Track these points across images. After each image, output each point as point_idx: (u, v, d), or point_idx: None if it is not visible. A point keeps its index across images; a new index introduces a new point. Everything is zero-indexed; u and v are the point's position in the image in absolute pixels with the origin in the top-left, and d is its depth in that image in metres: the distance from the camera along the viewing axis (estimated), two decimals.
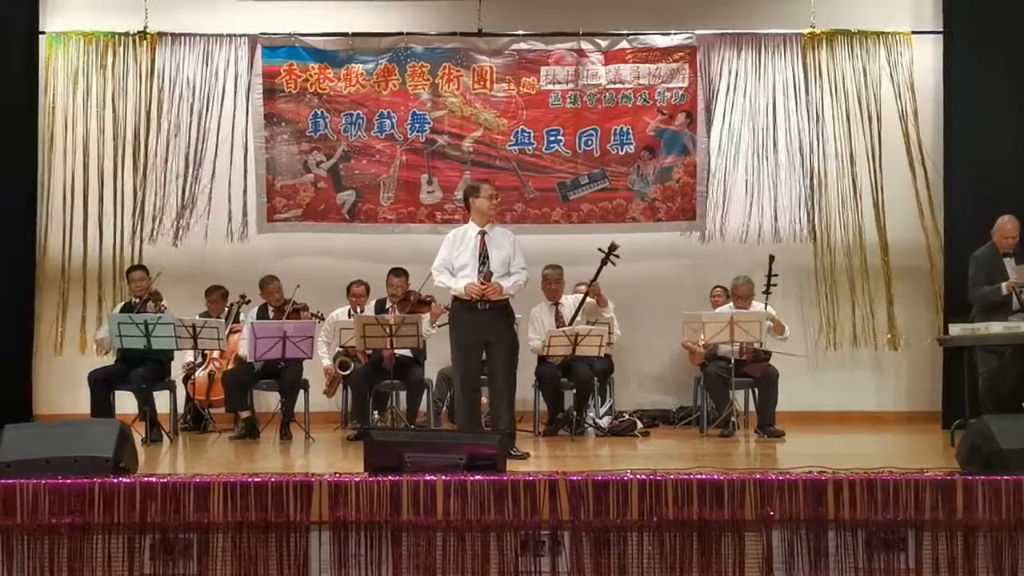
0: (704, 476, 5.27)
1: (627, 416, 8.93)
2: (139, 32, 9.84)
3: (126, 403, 8.56)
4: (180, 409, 8.93)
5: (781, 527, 5.19)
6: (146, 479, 5.11)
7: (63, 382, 9.76)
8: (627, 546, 5.20)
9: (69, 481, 5.02)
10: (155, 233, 9.85)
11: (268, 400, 9.30)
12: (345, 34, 9.93)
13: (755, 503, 5.19)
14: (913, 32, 9.98)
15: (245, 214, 9.98)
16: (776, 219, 10.01)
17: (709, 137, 9.98)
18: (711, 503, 5.20)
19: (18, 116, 9.57)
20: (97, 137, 9.90)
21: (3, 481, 5.01)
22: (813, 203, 10.01)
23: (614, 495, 5.19)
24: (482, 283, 7.00)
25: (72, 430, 5.52)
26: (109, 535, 5.03)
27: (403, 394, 8.82)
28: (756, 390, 8.74)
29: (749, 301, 8.82)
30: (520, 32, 9.99)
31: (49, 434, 5.45)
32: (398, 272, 8.76)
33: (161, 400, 8.54)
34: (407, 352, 8.60)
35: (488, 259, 7.11)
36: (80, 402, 8.88)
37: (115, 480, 5.05)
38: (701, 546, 5.20)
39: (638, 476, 5.25)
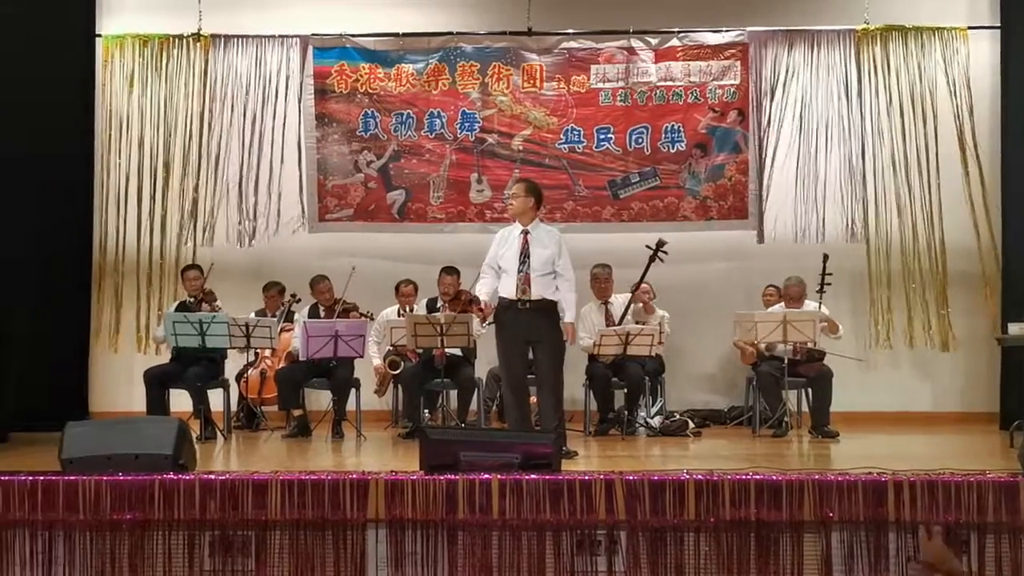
0: (762, 476, 5.25)
1: (678, 416, 8.88)
2: (193, 34, 9.92)
3: (180, 401, 8.64)
4: (233, 407, 8.99)
5: (840, 528, 5.17)
6: (205, 476, 5.16)
7: (118, 380, 9.86)
8: (684, 546, 5.20)
9: (130, 478, 5.08)
10: (209, 233, 9.93)
11: (319, 398, 9.35)
12: (395, 34, 9.95)
13: (814, 504, 5.16)
14: (969, 28, 9.80)
15: (297, 214, 10.03)
16: (828, 219, 9.89)
17: (761, 134, 9.90)
18: (769, 504, 5.18)
19: (76, 118, 9.65)
20: (152, 138, 9.99)
21: (66, 478, 5.08)
22: (866, 202, 9.89)
23: (670, 495, 5.19)
24: (482, 309, 7.17)
25: (132, 428, 5.60)
26: (169, 532, 5.10)
27: (454, 393, 8.83)
28: (809, 390, 8.66)
29: (801, 302, 8.75)
30: (570, 31, 9.96)
31: (110, 431, 5.53)
32: (450, 271, 8.79)
33: (214, 398, 8.61)
34: (457, 351, 8.61)
35: (529, 258, 7.10)
36: (134, 400, 8.99)
37: (175, 477, 5.11)
38: (759, 547, 5.18)
39: (695, 476, 5.23)
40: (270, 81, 9.99)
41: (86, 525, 5.05)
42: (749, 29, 9.89)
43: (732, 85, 9.87)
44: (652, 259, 8.68)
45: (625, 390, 8.66)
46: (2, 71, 9.07)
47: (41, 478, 5.09)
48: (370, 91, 10.01)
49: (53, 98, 9.34)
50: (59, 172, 9.36)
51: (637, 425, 8.58)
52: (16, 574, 5.06)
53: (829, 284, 8.67)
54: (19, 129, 9.04)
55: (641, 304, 8.87)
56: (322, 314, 8.91)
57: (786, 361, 8.43)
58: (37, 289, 8.85)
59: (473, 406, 8.73)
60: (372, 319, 8.98)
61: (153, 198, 9.99)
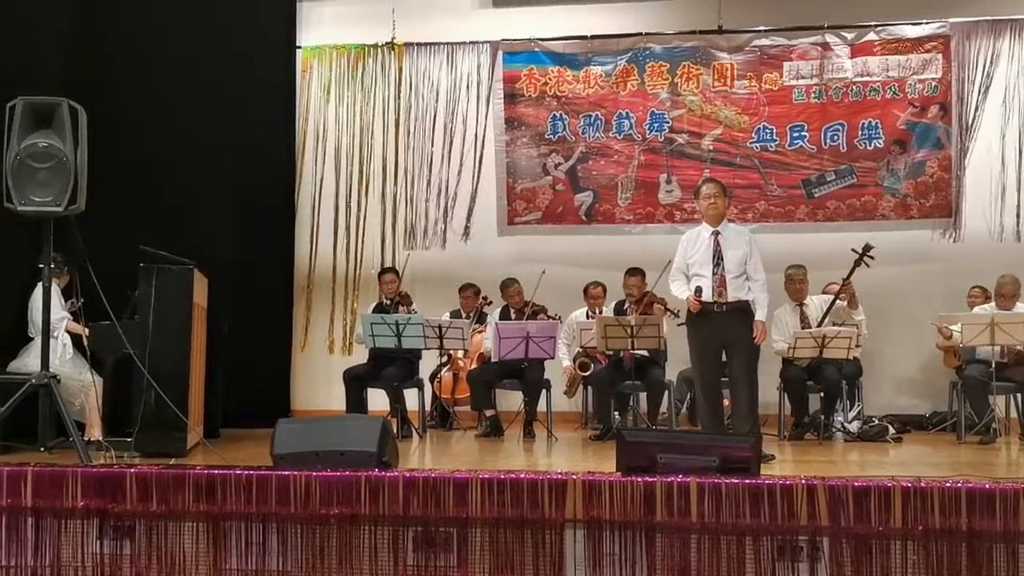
0: (973, 485, 5.02)
1: (877, 421, 8.60)
2: (387, 43, 10.23)
3: (376, 400, 8.89)
4: (427, 407, 9.19)
5: None
6: (408, 473, 5.27)
7: (317, 380, 10.21)
8: (890, 554, 5.01)
9: (338, 474, 5.24)
10: (405, 238, 10.19)
11: (511, 399, 9.46)
12: (584, 37, 10.02)
13: None
14: None
15: (487, 217, 10.20)
16: None
17: (965, 130, 9.50)
18: (981, 512, 4.95)
19: (277, 128, 10.04)
20: (348, 145, 10.34)
21: (278, 472, 5.27)
22: None
23: (876, 501, 5.02)
24: (699, 300, 6.89)
25: (339, 425, 5.76)
26: (374, 526, 5.22)
27: (643, 395, 8.79)
28: (1020, 395, 8.25)
29: (1014, 301, 8.33)
30: (761, 28, 9.82)
31: (317, 428, 5.69)
32: (635, 272, 8.73)
33: (410, 397, 8.82)
34: (646, 353, 8.57)
35: (722, 260, 6.97)
36: (332, 399, 9.28)
37: (380, 474, 5.24)
38: (970, 557, 4.96)
39: (901, 483, 5.05)
40: (461, 86, 10.22)
41: (297, 518, 5.23)
42: (951, 20, 9.54)
43: (933, 79, 9.54)
44: (858, 263, 8.40)
45: (821, 394, 8.44)
46: (208, 75, 9.46)
47: (255, 472, 5.30)
48: (558, 94, 10.10)
49: (255, 109, 9.69)
50: (262, 179, 9.74)
51: (834, 430, 8.37)
52: (232, 563, 5.28)
53: None
54: (224, 139, 9.44)
55: (847, 299, 8.56)
56: (512, 316, 9.02)
57: (993, 364, 8.06)
58: (243, 291, 9.21)
59: (663, 408, 8.67)
60: (560, 321, 9.03)
61: (349, 204, 10.34)
